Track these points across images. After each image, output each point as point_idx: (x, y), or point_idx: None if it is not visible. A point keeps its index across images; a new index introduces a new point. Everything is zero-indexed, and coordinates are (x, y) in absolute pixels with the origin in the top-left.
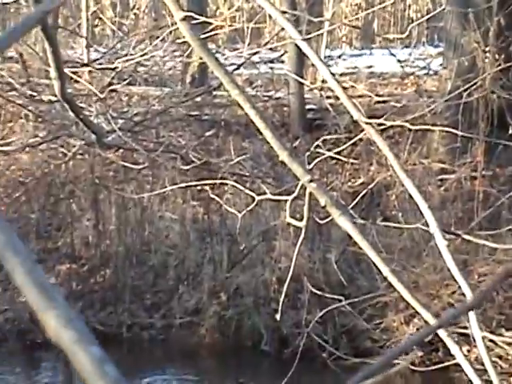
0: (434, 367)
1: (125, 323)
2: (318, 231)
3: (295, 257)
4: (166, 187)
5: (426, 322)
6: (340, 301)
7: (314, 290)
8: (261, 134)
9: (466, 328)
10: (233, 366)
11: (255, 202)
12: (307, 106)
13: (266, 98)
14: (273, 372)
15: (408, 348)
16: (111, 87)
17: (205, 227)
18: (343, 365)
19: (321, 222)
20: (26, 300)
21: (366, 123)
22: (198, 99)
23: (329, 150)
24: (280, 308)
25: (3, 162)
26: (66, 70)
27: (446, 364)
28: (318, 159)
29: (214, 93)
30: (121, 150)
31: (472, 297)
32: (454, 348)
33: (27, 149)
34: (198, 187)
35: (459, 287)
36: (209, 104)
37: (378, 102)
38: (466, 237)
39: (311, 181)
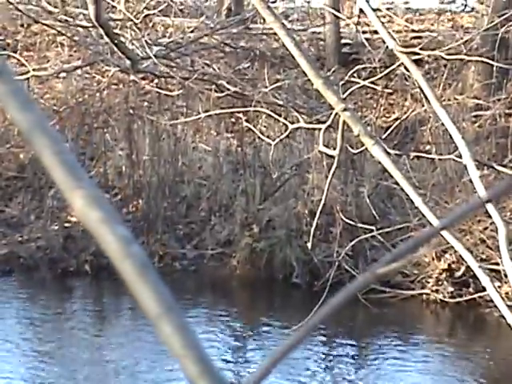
0: (464, 299)
1: (157, 253)
2: (351, 165)
3: (327, 186)
4: (199, 118)
5: (460, 256)
6: (371, 231)
7: (347, 221)
8: (296, 64)
9: (497, 264)
10: (263, 298)
11: (289, 130)
12: (343, 41)
13: (301, 32)
14: (303, 304)
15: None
16: (146, 12)
17: (238, 159)
18: (374, 299)
19: (354, 151)
20: (58, 228)
21: (401, 52)
22: (234, 30)
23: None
24: (311, 238)
25: (38, 90)
26: None
27: (476, 296)
28: (353, 88)
29: (251, 26)
30: (155, 81)
31: (490, 190)
32: (484, 279)
33: (61, 77)
34: (233, 119)
35: (491, 223)
36: (244, 35)
37: (414, 37)
38: (500, 168)
39: (345, 109)
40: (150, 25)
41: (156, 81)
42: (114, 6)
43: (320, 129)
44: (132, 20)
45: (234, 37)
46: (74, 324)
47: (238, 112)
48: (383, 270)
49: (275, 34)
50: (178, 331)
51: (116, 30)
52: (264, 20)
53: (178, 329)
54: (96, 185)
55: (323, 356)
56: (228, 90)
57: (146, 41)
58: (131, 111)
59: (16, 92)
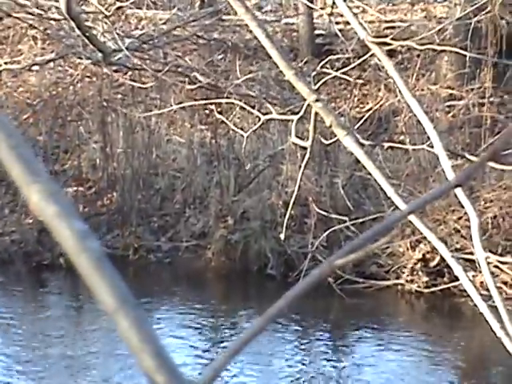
0: (439, 289)
1: (131, 246)
2: (325, 156)
3: (300, 177)
4: (172, 109)
5: (433, 247)
6: (345, 222)
7: (320, 212)
8: (269, 55)
9: (472, 254)
10: (239, 289)
11: (261, 122)
12: (316, 32)
13: (275, 23)
14: (278, 296)
15: (387, 228)
16: (118, 4)
17: (212, 151)
18: (349, 289)
19: (327, 142)
20: (32, 222)
21: (373, 43)
22: (207, 22)
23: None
24: (284, 229)
25: (11, 84)
26: None
27: (451, 286)
28: (325, 79)
29: (224, 17)
30: (129, 73)
31: (458, 174)
32: (457, 269)
33: (35, 70)
34: (206, 111)
35: (465, 213)
36: (217, 27)
37: (387, 27)
38: (472, 158)
39: (317, 100)
40: (123, 17)
41: (130, 73)
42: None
43: (292, 120)
44: (103, 13)
45: (207, 29)
46: (48, 317)
47: (211, 104)
48: (341, 261)
49: (248, 25)
50: (135, 325)
51: (88, 23)
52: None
53: (135, 323)
54: (52, 179)
55: (298, 347)
56: (200, 82)
57: (117, 33)
58: (105, 104)
59: None
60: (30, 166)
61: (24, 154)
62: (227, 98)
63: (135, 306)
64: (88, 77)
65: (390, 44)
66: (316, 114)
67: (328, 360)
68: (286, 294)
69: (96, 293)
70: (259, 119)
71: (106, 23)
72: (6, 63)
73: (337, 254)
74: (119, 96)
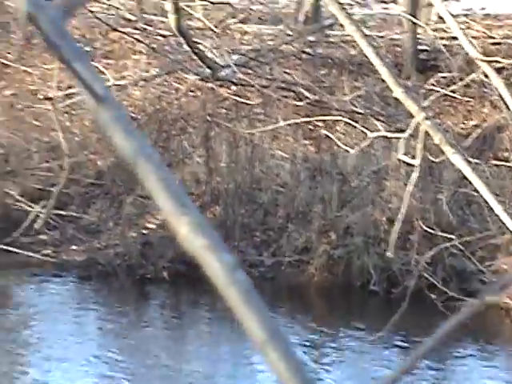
0: None
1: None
2: (429, 172)
3: (408, 195)
4: (279, 125)
5: None
6: (451, 240)
7: (425, 228)
8: (373, 70)
9: None
10: (341, 305)
11: (369, 139)
12: (420, 47)
13: (378, 39)
14: (381, 312)
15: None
16: (227, 22)
17: (315, 166)
18: (452, 306)
19: (434, 160)
20: (136, 235)
21: (483, 61)
22: (312, 38)
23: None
24: (392, 246)
25: (116, 98)
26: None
27: None
28: (434, 97)
29: (327, 32)
30: (233, 87)
31: None
32: None
33: (140, 84)
34: (310, 126)
35: None
36: (322, 42)
37: (493, 43)
38: None
39: (427, 118)
40: (227, 32)
41: (234, 88)
42: (191, 14)
43: (400, 138)
44: (212, 29)
45: (312, 44)
46: (151, 331)
47: (318, 120)
48: (492, 299)
49: (354, 41)
50: (283, 357)
51: (195, 39)
52: (342, 27)
53: (284, 355)
54: (200, 211)
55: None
56: (307, 98)
57: (226, 50)
58: (209, 118)
59: (119, 118)
60: (178, 199)
61: (172, 186)
62: (333, 114)
63: (283, 339)
64: (192, 91)
65: (499, 62)
66: (426, 132)
67: (435, 378)
68: (437, 331)
69: (244, 324)
70: (365, 135)
71: (213, 39)
72: (114, 78)
73: (487, 290)
74: (223, 110)
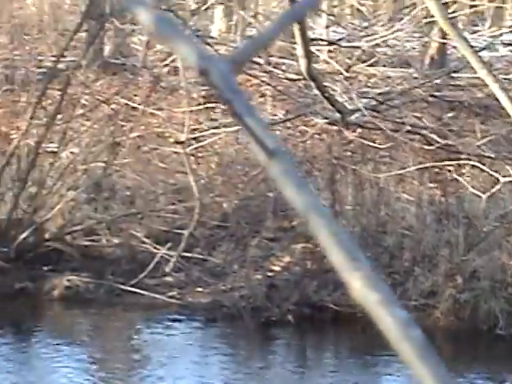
0: None
1: (359, 303)
2: None
3: None
4: (403, 168)
5: None
6: None
7: None
8: (501, 113)
9: None
10: (467, 349)
11: (501, 184)
12: None
13: (505, 81)
14: (508, 356)
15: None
16: (356, 66)
17: (442, 209)
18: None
19: None
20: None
21: None
22: (438, 81)
23: None
24: None
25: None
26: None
27: None
28: None
29: (453, 74)
30: (358, 130)
31: None
32: None
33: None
34: (436, 169)
35: None
36: (449, 85)
37: None
38: None
39: None
40: (354, 75)
41: (359, 131)
42: (318, 56)
43: None
44: (342, 73)
45: (438, 87)
46: (275, 373)
47: (447, 165)
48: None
49: (481, 84)
50: None
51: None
52: (473, 69)
53: None
54: (372, 265)
55: None
56: (437, 141)
57: (356, 93)
58: (334, 161)
59: (291, 172)
60: (350, 253)
61: (345, 240)
62: (461, 158)
63: None
64: (318, 134)
65: None
66: None
67: None
68: None
69: (419, 379)
70: (494, 179)
71: (342, 82)
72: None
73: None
74: (348, 153)
